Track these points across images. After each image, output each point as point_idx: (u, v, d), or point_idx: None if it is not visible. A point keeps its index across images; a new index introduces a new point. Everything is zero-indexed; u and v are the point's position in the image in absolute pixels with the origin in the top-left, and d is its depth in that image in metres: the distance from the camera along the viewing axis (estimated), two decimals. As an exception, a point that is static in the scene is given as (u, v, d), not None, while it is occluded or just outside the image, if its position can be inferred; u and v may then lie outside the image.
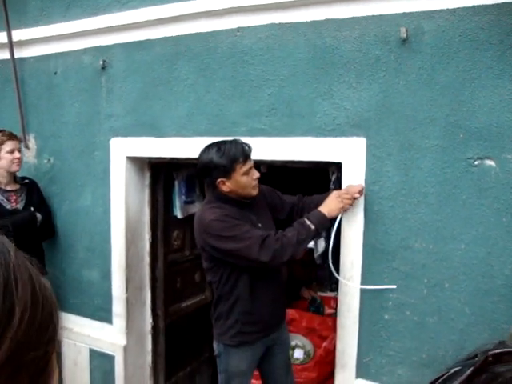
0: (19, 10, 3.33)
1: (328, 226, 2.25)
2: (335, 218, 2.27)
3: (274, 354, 2.49)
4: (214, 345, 2.45)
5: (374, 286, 2.28)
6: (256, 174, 2.23)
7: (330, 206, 2.21)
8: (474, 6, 1.98)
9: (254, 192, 2.26)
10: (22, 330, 0.47)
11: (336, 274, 2.35)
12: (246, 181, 2.20)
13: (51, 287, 0.58)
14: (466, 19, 2.00)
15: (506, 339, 1.56)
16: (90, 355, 3.34)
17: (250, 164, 2.19)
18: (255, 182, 2.24)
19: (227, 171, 2.16)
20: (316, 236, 2.24)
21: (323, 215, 2.17)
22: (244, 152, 2.17)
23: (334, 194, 2.23)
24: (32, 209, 3.18)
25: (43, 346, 0.51)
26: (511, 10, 1.92)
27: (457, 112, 2.05)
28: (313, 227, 2.13)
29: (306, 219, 2.16)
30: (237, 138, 2.25)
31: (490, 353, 0.49)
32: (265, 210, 2.43)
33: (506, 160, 1.98)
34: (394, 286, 2.24)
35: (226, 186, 2.20)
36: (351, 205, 2.24)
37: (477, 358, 0.49)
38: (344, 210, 2.25)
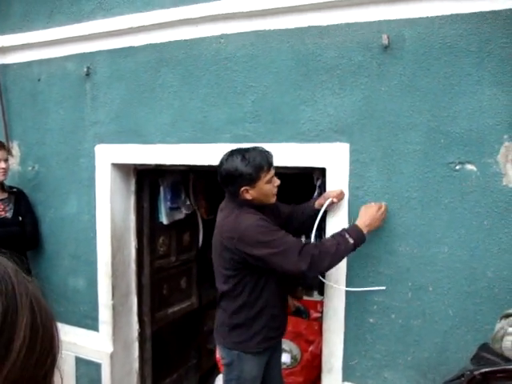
0: (1, 15, 3.32)
1: (363, 242, 2.16)
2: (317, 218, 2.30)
3: (273, 357, 2.50)
4: (223, 353, 2.40)
5: (362, 288, 2.30)
6: (277, 182, 2.22)
7: (371, 220, 2.14)
8: (451, 15, 2.02)
9: (274, 199, 2.25)
10: (18, 367, 0.45)
11: (321, 277, 2.37)
12: (268, 189, 2.19)
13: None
14: (446, 27, 2.04)
15: (489, 341, 1.59)
16: (76, 363, 3.32)
17: (272, 172, 2.19)
18: (276, 190, 2.23)
19: (252, 179, 2.13)
20: (353, 251, 2.14)
21: (361, 231, 2.12)
22: (268, 160, 2.16)
23: (374, 208, 2.17)
24: (20, 218, 3.16)
25: (40, 380, 0.49)
26: (487, 19, 1.97)
27: (438, 117, 2.09)
28: (351, 241, 2.08)
29: (345, 232, 2.10)
30: (258, 146, 2.22)
31: (476, 372, 0.51)
32: (272, 217, 2.39)
33: (486, 164, 2.02)
34: (383, 288, 2.26)
35: (249, 194, 2.17)
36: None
37: (463, 378, 0.51)
38: (373, 225, 2.17)
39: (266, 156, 2.16)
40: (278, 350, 2.60)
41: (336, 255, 2.07)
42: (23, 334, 0.46)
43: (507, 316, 1.49)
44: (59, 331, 0.55)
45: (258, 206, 2.23)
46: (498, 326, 1.54)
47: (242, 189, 2.15)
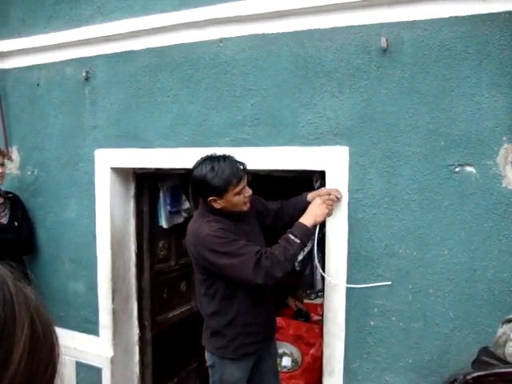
0: (0, 21, 3.32)
1: (312, 235, 2.24)
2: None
3: (263, 361, 2.49)
4: (207, 355, 2.43)
5: (366, 284, 2.30)
6: (248, 192, 2.21)
7: (314, 213, 2.18)
8: (450, 17, 2.02)
9: (245, 208, 2.24)
10: (18, 378, 0.44)
11: (324, 274, 2.39)
12: (237, 200, 2.18)
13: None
14: (444, 29, 2.04)
15: (491, 344, 1.59)
16: (77, 368, 3.31)
17: (242, 184, 2.17)
18: (247, 199, 2.22)
19: (220, 192, 2.14)
20: (303, 248, 2.21)
21: (305, 226, 2.14)
22: (238, 174, 2.14)
23: (318, 201, 2.21)
24: (16, 223, 3.16)
25: None
26: (485, 21, 1.97)
27: (437, 120, 2.09)
28: (298, 241, 2.10)
29: (289, 234, 2.12)
30: (230, 155, 2.21)
31: (469, 377, 0.51)
32: (254, 219, 2.43)
33: (485, 166, 2.02)
34: (389, 283, 2.25)
35: (218, 204, 2.18)
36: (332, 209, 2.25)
37: (456, 382, 0.51)
38: (328, 216, 2.25)
39: (237, 168, 2.15)
40: (269, 356, 2.55)
41: (286, 260, 2.08)
42: (22, 345, 0.46)
43: (509, 321, 1.49)
44: (59, 339, 0.54)
45: (230, 214, 2.23)
46: (501, 331, 1.53)
47: (210, 198, 2.17)
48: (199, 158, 2.23)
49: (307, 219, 2.17)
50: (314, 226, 2.20)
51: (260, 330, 2.38)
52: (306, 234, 2.15)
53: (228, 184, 2.12)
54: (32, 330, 0.48)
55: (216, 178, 2.11)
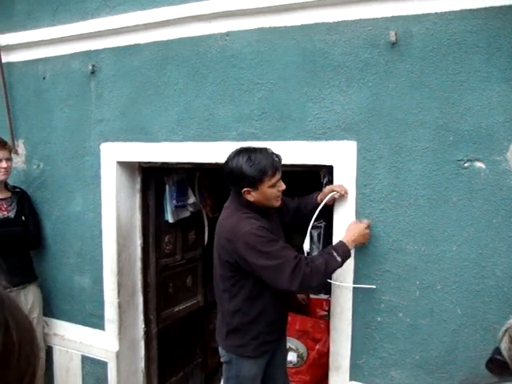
0: (6, 13, 3.31)
1: (348, 258, 2.18)
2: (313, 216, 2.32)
3: (275, 356, 2.48)
4: (222, 352, 2.39)
5: (365, 285, 2.30)
6: (282, 186, 2.19)
7: (357, 236, 2.16)
8: (461, 10, 2.00)
9: (277, 203, 2.22)
10: None
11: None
12: (271, 193, 2.15)
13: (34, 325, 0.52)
14: (454, 23, 2.02)
15: (497, 339, 1.57)
16: (82, 362, 3.32)
17: (278, 176, 2.15)
18: (280, 194, 2.20)
19: (255, 182, 2.10)
20: (340, 267, 2.13)
21: (347, 248, 2.12)
22: (274, 164, 2.12)
23: (362, 226, 2.19)
24: (23, 218, 3.17)
25: None
26: (497, 14, 1.94)
27: (446, 115, 2.07)
28: (339, 259, 2.07)
29: (333, 251, 2.08)
30: (266, 147, 2.18)
31: None
32: (276, 216, 2.40)
33: (495, 162, 2.00)
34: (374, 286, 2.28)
35: (251, 196, 2.15)
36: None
37: None
38: (358, 241, 2.19)
39: (273, 160, 2.12)
40: (280, 351, 2.55)
41: (325, 274, 2.06)
42: None
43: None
44: (39, 343, 0.50)
45: (261, 209, 2.21)
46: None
47: (244, 189, 2.14)
48: (233, 150, 2.19)
49: (350, 242, 2.14)
50: (352, 249, 2.18)
51: (280, 327, 2.40)
52: (347, 255, 2.13)
53: (264, 174, 2.09)
54: (5, 340, 0.45)
55: (253, 167, 2.08)
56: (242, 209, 2.19)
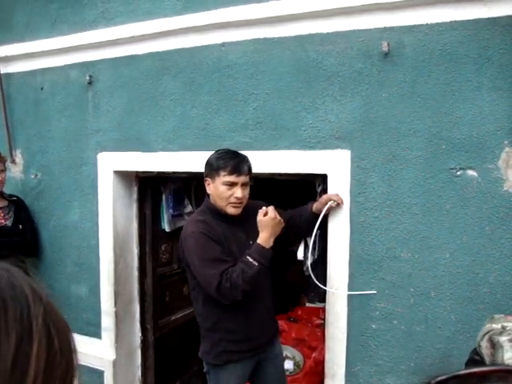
0: (4, 25, 3.35)
1: (271, 254, 2.15)
2: (314, 227, 2.31)
3: (265, 369, 2.41)
4: (204, 362, 2.38)
5: (361, 291, 2.31)
6: (237, 193, 2.14)
7: (270, 231, 2.14)
8: (451, 22, 2.03)
9: (230, 210, 2.18)
10: None
11: (320, 284, 2.36)
12: (222, 191, 2.14)
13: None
14: (445, 34, 2.05)
15: (476, 342, 1.58)
16: (79, 371, 3.30)
17: (234, 179, 2.12)
18: (233, 200, 2.16)
19: (212, 172, 2.16)
20: (263, 268, 2.10)
21: (263, 248, 2.12)
22: (237, 166, 2.12)
23: (267, 219, 2.15)
24: (20, 226, 3.18)
25: None
26: (486, 26, 1.98)
27: (439, 123, 2.10)
28: (255, 264, 2.06)
29: (248, 257, 2.08)
30: (245, 155, 2.21)
31: (433, 381, 0.51)
32: (254, 230, 2.25)
33: (487, 170, 2.03)
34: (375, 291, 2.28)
35: (209, 188, 2.21)
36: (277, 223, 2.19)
37: None
38: (275, 233, 2.16)
39: (239, 163, 2.14)
40: (269, 360, 2.41)
41: (244, 283, 2.04)
42: (37, 365, 0.42)
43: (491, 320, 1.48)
44: (76, 346, 0.51)
45: (222, 214, 2.20)
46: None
47: (206, 178, 2.21)
48: None
49: (265, 240, 2.14)
50: (270, 245, 2.15)
51: (246, 338, 2.26)
52: (264, 254, 2.11)
53: (222, 167, 2.12)
54: (48, 348, 0.45)
55: (216, 157, 2.17)
56: (202, 212, 2.25)
